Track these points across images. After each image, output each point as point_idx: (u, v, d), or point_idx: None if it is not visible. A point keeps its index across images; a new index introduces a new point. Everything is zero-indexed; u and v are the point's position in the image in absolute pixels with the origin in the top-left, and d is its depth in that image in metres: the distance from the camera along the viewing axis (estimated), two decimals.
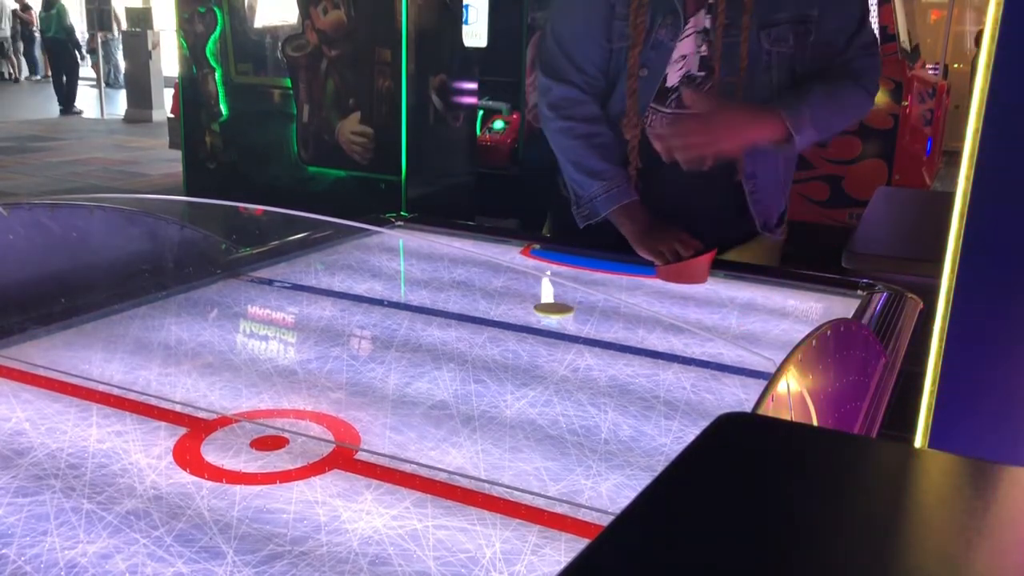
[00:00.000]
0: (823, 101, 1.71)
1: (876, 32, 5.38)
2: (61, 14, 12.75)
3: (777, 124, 1.67)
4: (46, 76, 14.49)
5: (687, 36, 1.74)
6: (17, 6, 16.68)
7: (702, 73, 1.76)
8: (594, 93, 1.82)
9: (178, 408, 1.12)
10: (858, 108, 1.82)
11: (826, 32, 1.74)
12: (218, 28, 6.47)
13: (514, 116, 6.37)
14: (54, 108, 12.54)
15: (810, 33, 1.73)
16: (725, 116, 1.68)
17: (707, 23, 1.72)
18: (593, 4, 1.78)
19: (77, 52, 13.34)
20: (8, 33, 16.97)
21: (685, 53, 1.75)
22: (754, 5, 1.69)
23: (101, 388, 1.15)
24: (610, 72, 1.81)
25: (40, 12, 13.47)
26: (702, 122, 1.67)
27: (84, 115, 12.54)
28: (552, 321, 1.53)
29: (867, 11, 1.82)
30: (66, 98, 12.61)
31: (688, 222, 1.79)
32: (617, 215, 1.78)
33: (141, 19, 11.42)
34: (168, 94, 9.56)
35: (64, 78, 12.71)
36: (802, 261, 1.99)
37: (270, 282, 1.70)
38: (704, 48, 1.73)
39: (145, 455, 1.00)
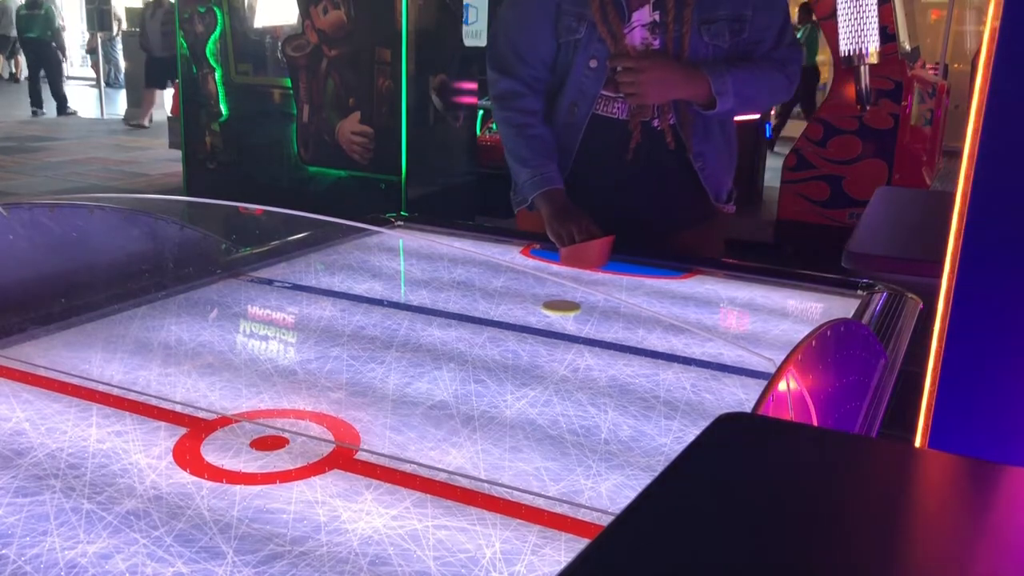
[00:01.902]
0: (746, 76, 1.90)
1: (877, 32, 5.38)
2: (50, 15, 12.58)
3: (702, 85, 1.85)
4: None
5: (633, 29, 1.89)
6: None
7: None
8: (536, 87, 1.98)
9: (178, 408, 1.12)
10: (778, 91, 2.00)
11: (757, 30, 1.92)
12: (218, 28, 6.48)
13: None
14: (54, 108, 12.49)
15: (744, 31, 1.91)
16: (660, 70, 1.85)
17: (656, 17, 1.87)
18: (540, 0, 1.93)
19: (61, 54, 13.19)
20: (14, 33, 16.93)
21: (634, 44, 1.89)
22: (695, 2, 1.85)
23: (101, 388, 1.15)
24: (557, 66, 1.97)
25: (20, 10, 13.06)
26: (640, 69, 1.84)
27: (84, 115, 12.52)
28: (560, 317, 1.54)
29: (788, 12, 2.02)
30: (58, 99, 12.48)
31: (652, 204, 1.98)
32: (539, 199, 1.92)
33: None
34: (168, 94, 9.57)
35: (46, 80, 12.54)
36: (802, 261, 1.99)
37: (270, 282, 1.70)
38: (657, 42, 1.88)
39: (145, 455, 1.00)
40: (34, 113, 12.38)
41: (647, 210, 1.97)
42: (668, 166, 1.96)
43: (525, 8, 1.98)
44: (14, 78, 17.28)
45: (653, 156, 1.95)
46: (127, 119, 11.66)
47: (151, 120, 11.42)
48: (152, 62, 11.04)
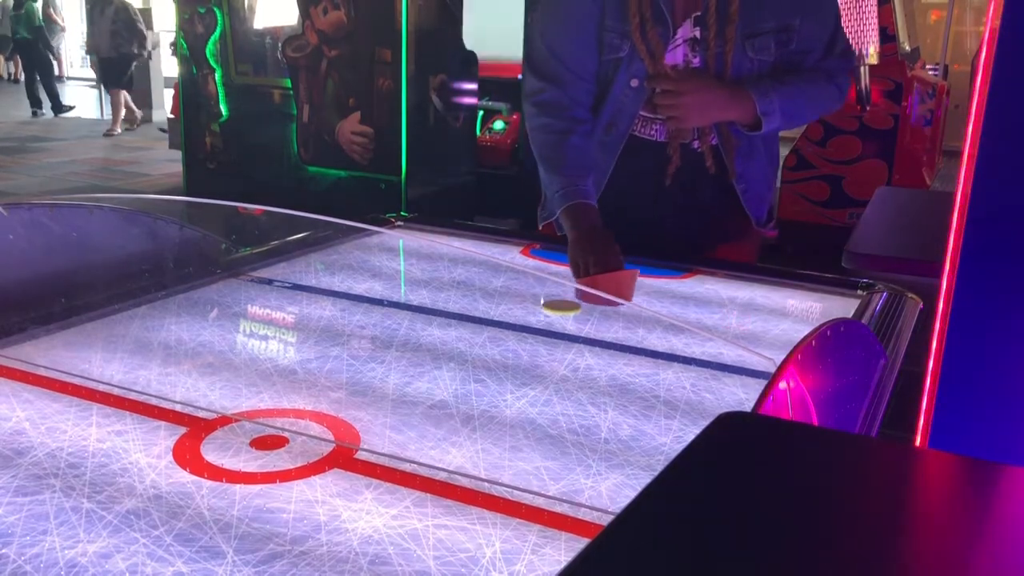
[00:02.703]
0: (793, 92, 1.81)
1: (876, 33, 5.38)
2: (30, 14, 12.48)
3: (748, 107, 1.77)
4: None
5: (677, 47, 1.80)
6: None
7: None
8: (583, 101, 1.86)
9: (178, 408, 1.12)
10: (827, 103, 1.91)
11: (805, 40, 1.82)
12: (218, 28, 6.47)
13: (514, 116, 6.37)
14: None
15: (791, 41, 1.82)
16: (701, 92, 1.77)
17: (696, 33, 1.78)
18: (585, 15, 1.82)
19: (49, 52, 13.12)
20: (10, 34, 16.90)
21: (676, 63, 1.80)
22: (739, 16, 1.75)
23: (101, 388, 1.15)
24: (599, 82, 1.86)
25: (9, 12, 12.95)
26: (681, 92, 1.76)
27: (84, 115, 12.50)
28: (560, 317, 1.53)
29: (840, 18, 1.92)
30: (51, 99, 12.39)
31: (689, 227, 1.90)
32: (564, 214, 1.76)
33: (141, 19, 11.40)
34: (168, 94, 9.55)
35: (38, 80, 12.47)
36: (802, 261, 2.00)
37: (270, 282, 1.70)
38: (696, 60, 1.79)
39: (145, 455, 1.00)
40: (34, 113, 12.35)
41: (683, 233, 1.90)
42: (707, 190, 1.88)
43: (568, 18, 1.85)
44: (13, 79, 17.27)
45: (692, 180, 1.86)
46: (127, 119, 11.63)
47: (139, 121, 11.09)
48: (101, 63, 10.73)
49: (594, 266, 1.62)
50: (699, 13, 1.77)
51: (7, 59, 17.19)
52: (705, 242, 1.94)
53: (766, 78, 1.80)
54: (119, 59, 10.62)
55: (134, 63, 10.79)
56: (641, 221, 1.87)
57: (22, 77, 16.45)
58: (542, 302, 1.59)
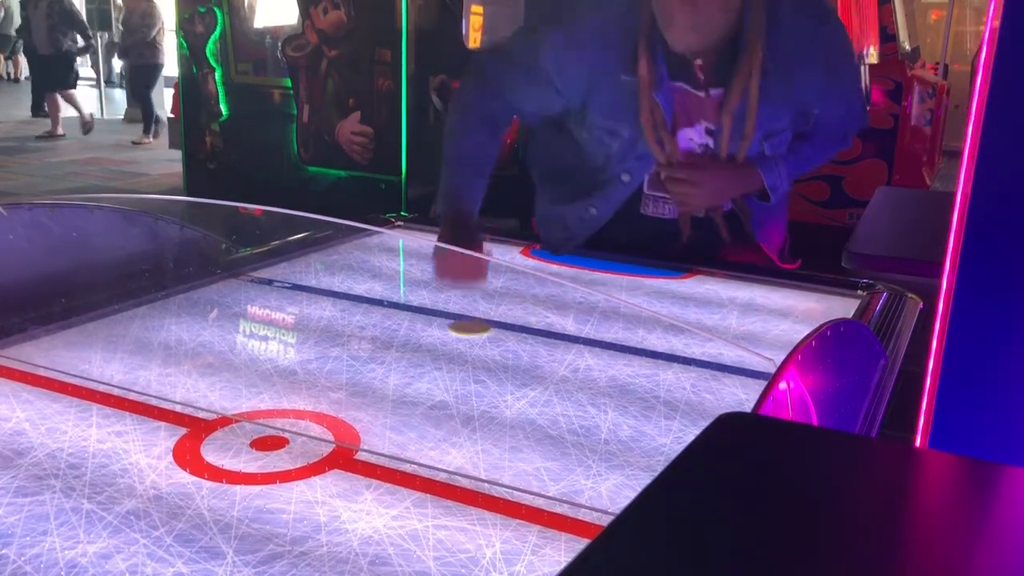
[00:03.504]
0: (802, 161, 1.84)
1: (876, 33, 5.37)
2: (9, 14, 12.22)
3: (755, 181, 1.78)
4: None
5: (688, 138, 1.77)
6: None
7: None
8: (504, 127, 1.88)
9: (178, 408, 1.12)
10: (832, 155, 1.94)
11: (824, 118, 1.82)
12: (218, 28, 6.47)
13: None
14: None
15: (808, 123, 1.81)
16: (713, 178, 1.76)
17: (709, 142, 1.75)
18: (554, 102, 1.79)
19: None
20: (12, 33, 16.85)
21: (688, 149, 1.77)
22: (759, 117, 1.70)
23: (101, 388, 1.15)
24: (586, 159, 1.84)
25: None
26: (693, 182, 1.75)
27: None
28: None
29: (860, 83, 1.92)
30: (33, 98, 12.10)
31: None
32: (444, 219, 1.83)
33: None
34: (168, 94, 9.53)
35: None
36: (802, 261, 1.99)
37: (270, 282, 1.70)
38: (710, 143, 1.75)
39: (145, 455, 1.00)
40: (34, 113, 12.33)
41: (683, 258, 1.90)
42: (722, 247, 1.89)
43: (528, 90, 1.80)
44: (13, 78, 17.27)
45: (705, 242, 1.87)
46: (127, 119, 11.61)
47: (91, 125, 10.18)
48: (39, 62, 10.02)
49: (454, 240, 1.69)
50: (711, 126, 1.73)
51: (7, 59, 17.19)
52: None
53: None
54: (58, 57, 9.86)
55: (77, 60, 10.11)
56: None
57: (23, 76, 16.45)
58: (449, 324, 1.49)
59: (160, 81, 10.14)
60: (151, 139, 10.02)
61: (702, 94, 1.71)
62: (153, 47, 9.73)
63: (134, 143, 10.00)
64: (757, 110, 1.69)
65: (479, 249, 1.74)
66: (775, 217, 1.92)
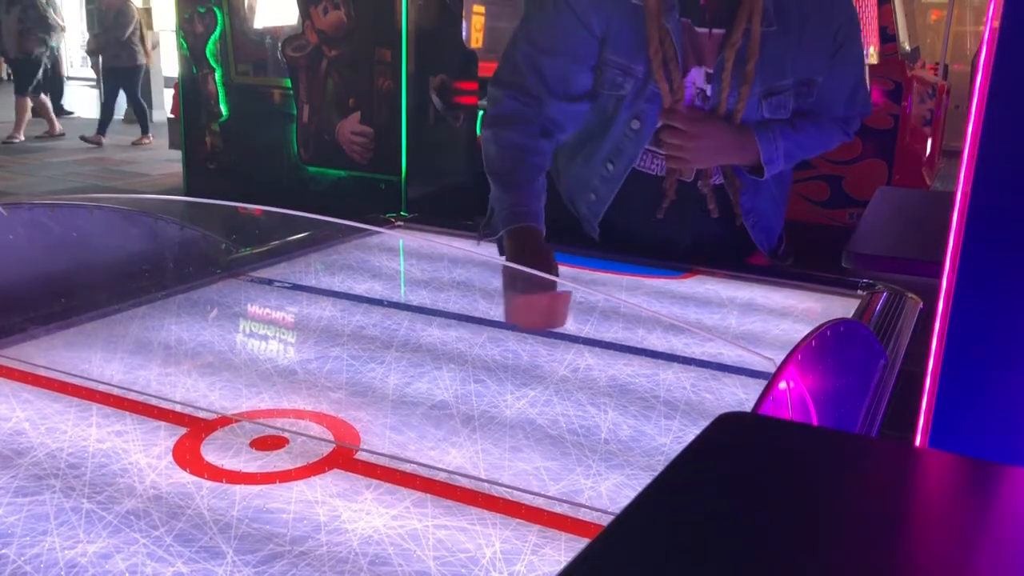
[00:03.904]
0: (803, 140, 1.79)
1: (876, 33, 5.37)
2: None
3: (752, 152, 1.74)
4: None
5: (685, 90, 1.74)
6: None
7: None
8: (556, 119, 1.76)
9: (178, 408, 1.12)
10: (832, 146, 1.90)
11: (826, 94, 1.79)
12: (218, 28, 6.48)
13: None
14: (61, 109, 12.41)
15: (811, 96, 1.78)
16: (711, 136, 1.73)
17: (707, 89, 1.72)
18: (579, 41, 1.72)
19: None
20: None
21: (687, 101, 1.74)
22: (758, 73, 1.69)
23: (101, 388, 1.15)
24: (597, 113, 1.78)
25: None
26: (690, 135, 1.71)
27: (84, 115, 12.49)
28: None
29: (864, 70, 1.88)
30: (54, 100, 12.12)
31: (688, 256, 1.88)
32: (509, 236, 1.66)
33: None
34: (168, 94, 9.52)
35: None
36: (802, 261, 1.99)
37: (270, 282, 1.70)
38: (707, 105, 1.73)
39: (145, 455, 1.00)
40: (34, 113, 12.34)
41: (682, 258, 1.87)
42: (707, 227, 1.85)
43: (559, 41, 1.73)
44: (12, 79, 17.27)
45: (688, 217, 1.83)
46: (127, 119, 11.61)
47: (59, 132, 10.10)
48: (11, 66, 9.92)
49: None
50: (710, 70, 1.71)
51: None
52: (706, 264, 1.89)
53: (776, 123, 1.76)
54: (25, 62, 9.76)
55: (43, 65, 9.95)
56: (638, 242, 1.86)
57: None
58: None
59: (147, 80, 10.15)
60: (150, 139, 10.03)
61: (705, 31, 1.69)
62: (129, 48, 9.63)
63: (134, 143, 10.02)
64: (759, 55, 1.67)
65: (555, 272, 1.56)
66: (768, 195, 1.88)
